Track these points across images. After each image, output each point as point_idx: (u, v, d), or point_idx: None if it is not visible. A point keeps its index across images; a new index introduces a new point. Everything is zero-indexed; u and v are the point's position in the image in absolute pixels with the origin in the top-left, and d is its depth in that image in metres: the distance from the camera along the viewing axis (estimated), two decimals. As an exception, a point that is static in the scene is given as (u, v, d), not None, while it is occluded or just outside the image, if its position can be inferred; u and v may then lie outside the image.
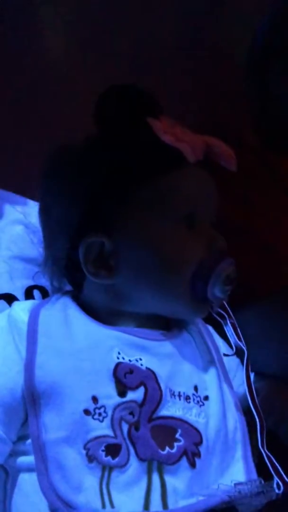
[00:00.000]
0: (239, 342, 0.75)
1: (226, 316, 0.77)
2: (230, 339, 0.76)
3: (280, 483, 0.67)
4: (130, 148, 0.73)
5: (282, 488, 0.67)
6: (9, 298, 0.85)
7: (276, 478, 0.68)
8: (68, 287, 0.80)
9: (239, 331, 0.77)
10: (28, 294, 0.86)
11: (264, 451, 0.70)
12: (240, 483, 0.67)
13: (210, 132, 0.77)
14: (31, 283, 0.87)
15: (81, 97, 1.11)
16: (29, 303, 0.78)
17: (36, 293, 0.86)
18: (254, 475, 0.71)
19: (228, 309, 0.76)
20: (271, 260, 0.96)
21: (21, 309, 0.75)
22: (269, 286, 0.93)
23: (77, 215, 0.74)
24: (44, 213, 0.79)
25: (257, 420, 0.72)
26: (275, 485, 0.67)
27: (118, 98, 0.75)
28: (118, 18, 1.20)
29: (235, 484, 0.67)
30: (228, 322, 0.77)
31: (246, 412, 0.75)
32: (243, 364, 0.76)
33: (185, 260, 0.72)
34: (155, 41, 1.23)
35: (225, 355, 0.78)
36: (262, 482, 0.68)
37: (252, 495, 0.66)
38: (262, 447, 0.71)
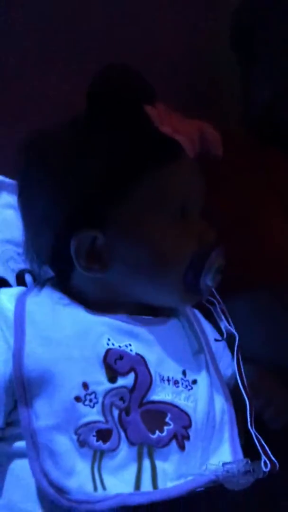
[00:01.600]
0: (229, 327, 0.76)
1: (216, 302, 0.77)
2: (220, 324, 0.77)
3: (267, 462, 0.69)
4: (128, 138, 0.72)
5: (269, 466, 0.68)
6: (1, 282, 0.86)
7: (263, 457, 0.69)
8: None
9: (228, 316, 0.77)
10: (20, 277, 0.86)
11: (252, 431, 0.72)
12: (228, 463, 0.69)
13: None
14: (23, 266, 0.87)
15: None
16: (15, 290, 0.78)
17: (27, 276, 0.86)
18: (240, 456, 0.72)
19: (217, 296, 0.77)
20: (263, 253, 0.97)
21: (7, 297, 0.74)
22: (260, 277, 0.94)
23: (67, 208, 0.72)
24: (26, 204, 0.77)
25: (246, 400, 0.73)
26: (262, 464, 0.69)
27: (116, 79, 0.73)
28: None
29: (223, 464, 0.69)
30: (218, 308, 0.77)
31: (233, 394, 0.77)
32: (233, 348, 0.77)
33: (180, 253, 0.73)
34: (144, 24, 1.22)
35: (216, 340, 0.79)
36: (249, 462, 0.69)
37: (239, 474, 0.68)
38: (251, 426, 0.72)
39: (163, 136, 0.71)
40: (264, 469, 0.68)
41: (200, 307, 0.81)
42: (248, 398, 0.72)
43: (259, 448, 0.70)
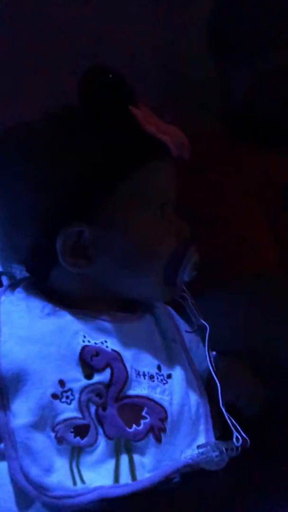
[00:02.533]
0: (200, 320, 0.79)
1: (187, 297, 0.80)
2: (192, 318, 0.79)
3: (239, 437, 0.71)
4: (116, 135, 0.73)
5: (240, 441, 0.71)
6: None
7: (235, 433, 0.71)
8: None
9: (198, 310, 0.80)
10: (-4, 279, 0.88)
11: (223, 409, 0.74)
12: (201, 445, 0.71)
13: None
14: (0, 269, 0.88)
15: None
16: None
17: (4, 279, 0.88)
18: (213, 438, 0.74)
19: (187, 291, 0.80)
20: (236, 246, 0.98)
21: None
22: (234, 271, 0.95)
23: (53, 202, 0.72)
24: (2, 199, 0.76)
25: (217, 381, 0.76)
26: (234, 439, 0.71)
27: (104, 81, 0.74)
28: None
29: (197, 446, 0.71)
30: (190, 302, 0.80)
31: (207, 385, 0.79)
32: (204, 339, 0.79)
33: (162, 248, 0.75)
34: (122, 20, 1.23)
35: (186, 331, 0.81)
36: (222, 442, 0.71)
37: (213, 454, 0.70)
38: (223, 405, 0.74)
39: (148, 135, 0.73)
40: (236, 444, 0.70)
41: (171, 303, 0.83)
42: (218, 380, 0.75)
43: (230, 425, 0.72)
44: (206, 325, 0.78)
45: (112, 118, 0.73)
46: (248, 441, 0.71)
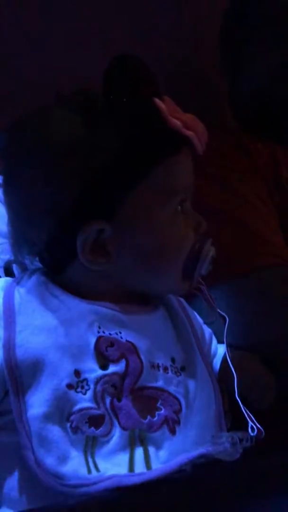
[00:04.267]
0: (218, 310, 0.80)
1: (203, 288, 0.80)
2: (209, 309, 0.80)
3: (254, 427, 0.71)
4: (141, 129, 0.71)
5: (256, 431, 0.71)
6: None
7: (250, 422, 0.71)
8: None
9: (214, 301, 0.80)
10: (8, 269, 0.87)
11: (238, 399, 0.74)
12: (216, 436, 0.70)
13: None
14: (10, 257, 0.87)
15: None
16: (2, 280, 0.77)
17: (15, 268, 0.87)
18: (225, 429, 0.75)
19: (203, 283, 0.80)
20: (247, 240, 0.98)
21: None
22: (244, 265, 0.95)
23: (73, 198, 0.71)
24: (17, 191, 0.75)
25: (234, 373, 0.76)
26: (249, 429, 0.71)
27: (129, 72, 0.73)
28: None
29: (212, 437, 0.70)
30: (207, 294, 0.81)
31: (220, 376, 0.81)
32: (220, 331, 0.79)
33: (182, 244, 0.76)
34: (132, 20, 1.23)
35: (205, 323, 0.82)
36: (237, 433, 0.71)
37: (228, 445, 0.69)
38: (239, 396, 0.75)
39: (171, 129, 0.72)
40: (251, 433, 0.70)
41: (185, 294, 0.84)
42: (235, 371, 0.76)
43: (245, 415, 0.72)
44: (226, 316, 0.79)
45: (136, 110, 0.72)
46: (263, 432, 0.71)
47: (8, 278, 0.80)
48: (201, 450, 0.69)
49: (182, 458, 0.69)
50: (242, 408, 0.73)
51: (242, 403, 0.75)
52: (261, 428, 0.71)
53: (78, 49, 1.16)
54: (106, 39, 1.16)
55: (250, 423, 0.71)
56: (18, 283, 0.77)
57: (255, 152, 1.09)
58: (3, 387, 0.69)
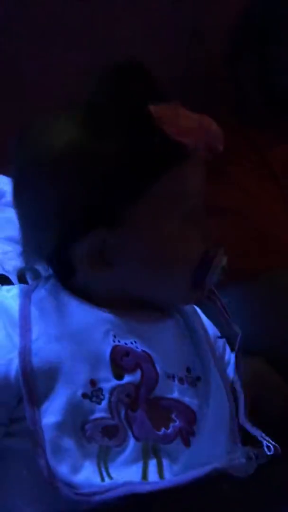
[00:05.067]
0: (233, 324, 0.79)
1: (216, 299, 0.80)
2: (222, 322, 0.79)
3: (270, 446, 0.70)
4: (141, 139, 0.71)
5: (272, 450, 0.70)
6: (2, 280, 0.86)
7: (265, 442, 0.71)
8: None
9: (228, 312, 0.79)
10: (21, 276, 0.87)
11: (247, 425, 0.74)
12: (231, 450, 0.70)
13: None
14: (24, 264, 0.87)
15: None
16: (18, 287, 0.77)
17: (28, 275, 0.87)
18: (241, 444, 0.73)
19: (216, 292, 0.79)
20: (261, 242, 0.98)
21: (10, 295, 0.75)
22: (257, 267, 0.95)
23: (77, 208, 0.71)
24: (25, 196, 0.75)
25: (241, 394, 0.76)
26: (265, 448, 0.70)
27: (124, 77, 0.73)
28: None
29: (227, 453, 0.70)
30: (219, 304, 0.79)
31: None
32: (235, 344, 0.79)
33: (190, 253, 0.74)
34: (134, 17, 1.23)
35: (218, 337, 0.81)
36: (252, 449, 0.71)
37: (243, 460, 0.69)
38: (246, 418, 0.74)
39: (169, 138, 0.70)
40: (267, 452, 0.70)
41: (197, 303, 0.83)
42: (243, 393, 0.76)
43: (258, 437, 0.72)
44: (238, 331, 0.78)
45: (136, 119, 0.71)
46: (279, 448, 0.70)
47: (23, 285, 0.80)
48: (216, 464, 0.69)
49: (197, 471, 0.68)
50: (251, 431, 0.73)
51: (256, 412, 0.75)
52: (276, 445, 0.70)
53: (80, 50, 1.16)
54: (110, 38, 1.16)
55: (265, 442, 0.70)
56: (33, 290, 0.76)
57: (266, 151, 1.08)
58: (17, 394, 0.69)
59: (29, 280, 0.86)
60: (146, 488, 0.66)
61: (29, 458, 0.67)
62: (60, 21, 1.18)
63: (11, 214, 0.84)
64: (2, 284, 0.84)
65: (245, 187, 1.02)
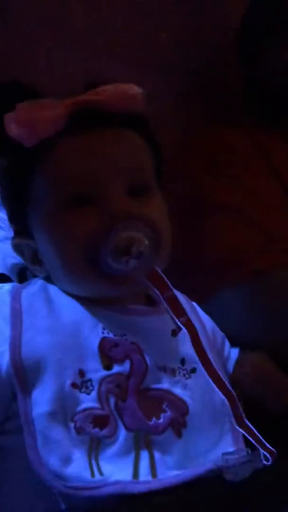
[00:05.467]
0: (176, 319, 0.70)
1: (159, 294, 0.71)
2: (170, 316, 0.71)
3: (268, 455, 0.68)
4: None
5: (270, 459, 0.68)
6: (2, 279, 0.87)
7: (262, 451, 0.68)
8: None
9: (179, 304, 0.71)
10: (21, 274, 0.88)
11: (241, 431, 0.71)
12: (227, 453, 0.69)
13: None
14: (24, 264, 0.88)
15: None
16: (9, 285, 0.78)
17: (29, 274, 0.88)
18: (242, 445, 0.72)
19: (167, 282, 0.70)
20: (259, 238, 0.97)
21: (3, 291, 0.76)
22: (256, 264, 0.94)
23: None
24: None
25: (237, 395, 0.73)
26: (262, 457, 0.68)
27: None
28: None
29: (222, 454, 0.68)
30: (163, 300, 0.71)
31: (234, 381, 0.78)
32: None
33: (72, 238, 0.71)
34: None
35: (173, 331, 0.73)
36: (249, 452, 0.69)
37: (239, 464, 0.67)
38: (241, 424, 0.72)
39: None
40: (264, 462, 0.68)
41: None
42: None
43: (255, 443, 0.70)
44: (183, 327, 0.70)
45: None
46: (275, 453, 0.68)
47: (16, 284, 0.82)
48: (210, 465, 0.68)
49: (189, 473, 0.67)
50: (255, 432, 0.70)
51: (256, 408, 0.73)
52: (273, 450, 0.68)
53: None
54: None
55: (262, 451, 0.68)
56: (25, 286, 0.78)
57: (272, 151, 1.07)
58: (11, 388, 0.69)
59: (29, 278, 0.86)
60: (137, 488, 0.65)
61: (19, 457, 0.67)
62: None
63: None
64: (2, 283, 0.84)
65: (248, 185, 1.02)
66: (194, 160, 1.02)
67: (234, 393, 0.73)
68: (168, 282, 0.70)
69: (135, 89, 0.73)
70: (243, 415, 0.72)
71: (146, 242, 0.70)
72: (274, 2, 1.16)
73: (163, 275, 0.70)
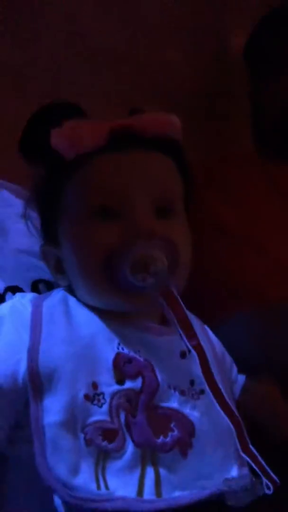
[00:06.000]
0: (187, 342, 0.71)
1: (173, 317, 0.71)
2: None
3: (270, 484, 0.69)
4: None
5: (272, 489, 0.68)
6: (16, 290, 0.88)
7: (264, 480, 0.69)
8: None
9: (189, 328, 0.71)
10: (35, 287, 0.89)
11: (246, 457, 0.71)
12: (230, 479, 0.69)
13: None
14: (37, 276, 0.89)
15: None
16: (31, 295, 0.81)
17: (42, 286, 0.89)
18: (246, 471, 0.72)
19: (181, 303, 0.70)
20: (269, 266, 0.98)
21: (24, 300, 0.77)
22: (266, 292, 0.95)
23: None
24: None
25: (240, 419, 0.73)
26: (264, 486, 0.69)
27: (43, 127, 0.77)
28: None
29: (225, 479, 0.69)
30: (176, 321, 0.71)
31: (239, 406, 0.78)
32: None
33: (93, 248, 0.73)
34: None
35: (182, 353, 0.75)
36: (253, 479, 0.70)
37: (241, 490, 0.68)
38: (245, 451, 0.72)
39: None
40: (267, 491, 0.68)
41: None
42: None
43: (258, 471, 0.70)
44: (192, 349, 0.71)
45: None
46: (278, 482, 0.69)
47: (37, 294, 0.84)
48: (213, 489, 0.68)
49: (194, 494, 0.68)
50: (253, 464, 0.71)
51: (261, 434, 0.74)
52: (276, 479, 0.69)
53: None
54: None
55: (265, 480, 0.69)
56: (46, 297, 0.79)
57: (281, 179, 1.09)
58: (24, 395, 0.70)
59: (42, 292, 0.88)
60: (142, 506, 0.66)
61: (27, 466, 0.68)
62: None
63: (22, 225, 0.88)
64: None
65: (252, 207, 1.03)
66: (206, 190, 1.03)
67: (240, 418, 0.73)
68: (182, 304, 0.71)
69: (173, 119, 0.77)
70: (248, 440, 0.72)
71: (165, 262, 0.71)
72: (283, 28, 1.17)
73: (177, 296, 0.71)
